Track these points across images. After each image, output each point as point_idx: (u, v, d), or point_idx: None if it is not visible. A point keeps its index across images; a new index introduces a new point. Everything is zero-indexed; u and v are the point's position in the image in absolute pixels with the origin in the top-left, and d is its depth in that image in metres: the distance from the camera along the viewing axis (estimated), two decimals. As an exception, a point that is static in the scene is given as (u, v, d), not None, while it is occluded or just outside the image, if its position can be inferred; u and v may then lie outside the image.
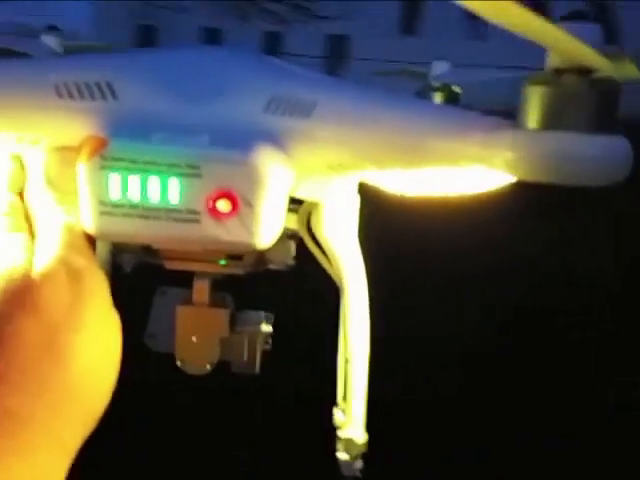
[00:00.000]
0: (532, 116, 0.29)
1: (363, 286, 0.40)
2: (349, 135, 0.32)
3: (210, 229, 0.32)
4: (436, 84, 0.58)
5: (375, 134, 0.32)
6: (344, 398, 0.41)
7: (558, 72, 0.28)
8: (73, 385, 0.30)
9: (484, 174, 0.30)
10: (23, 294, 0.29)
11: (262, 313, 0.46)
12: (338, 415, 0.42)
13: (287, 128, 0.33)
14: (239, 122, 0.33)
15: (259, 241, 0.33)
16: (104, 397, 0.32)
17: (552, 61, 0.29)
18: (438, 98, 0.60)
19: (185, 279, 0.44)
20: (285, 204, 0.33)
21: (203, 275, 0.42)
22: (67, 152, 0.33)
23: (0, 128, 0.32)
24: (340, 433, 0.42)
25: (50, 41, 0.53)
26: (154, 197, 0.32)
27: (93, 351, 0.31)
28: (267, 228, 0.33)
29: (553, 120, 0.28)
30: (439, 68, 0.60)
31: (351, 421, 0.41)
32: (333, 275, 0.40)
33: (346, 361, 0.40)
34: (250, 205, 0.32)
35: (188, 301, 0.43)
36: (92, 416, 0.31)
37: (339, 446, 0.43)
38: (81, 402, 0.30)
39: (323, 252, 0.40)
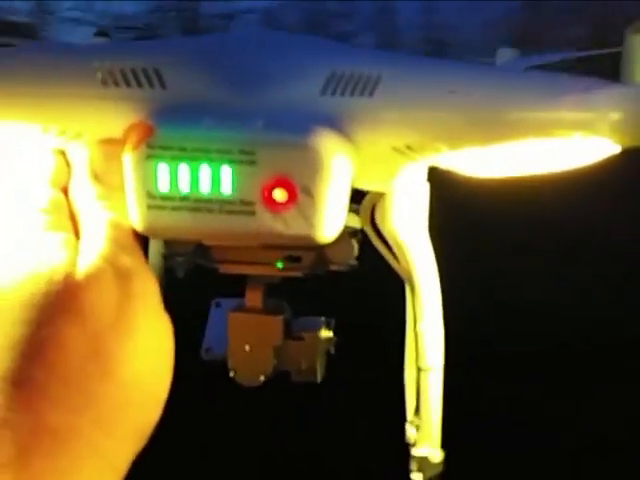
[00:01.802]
0: None
1: (436, 283, 0.36)
2: (418, 112, 0.29)
3: (266, 221, 0.29)
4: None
5: (448, 109, 0.28)
6: (417, 411, 0.37)
7: None
8: (121, 397, 0.27)
9: (581, 145, 0.27)
10: (66, 298, 0.27)
11: (322, 318, 0.43)
12: (411, 431, 0.38)
13: (348, 109, 0.30)
14: (295, 105, 0.30)
15: (320, 234, 0.30)
16: (155, 410, 0.29)
17: None
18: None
19: (242, 290, 0.41)
20: (348, 193, 0.30)
21: (257, 279, 0.40)
22: (112, 144, 0.31)
23: (42, 121, 0.30)
24: (413, 451, 0.38)
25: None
26: (205, 188, 0.29)
27: (143, 359, 0.28)
28: (329, 219, 0.29)
29: None
30: (504, 55, 0.56)
31: (426, 437, 0.37)
32: (400, 273, 0.37)
33: (419, 370, 0.36)
34: (310, 194, 0.29)
35: (241, 308, 0.40)
36: (142, 431, 0.28)
37: (412, 466, 0.39)
38: (130, 416, 0.28)
39: (389, 248, 0.37)
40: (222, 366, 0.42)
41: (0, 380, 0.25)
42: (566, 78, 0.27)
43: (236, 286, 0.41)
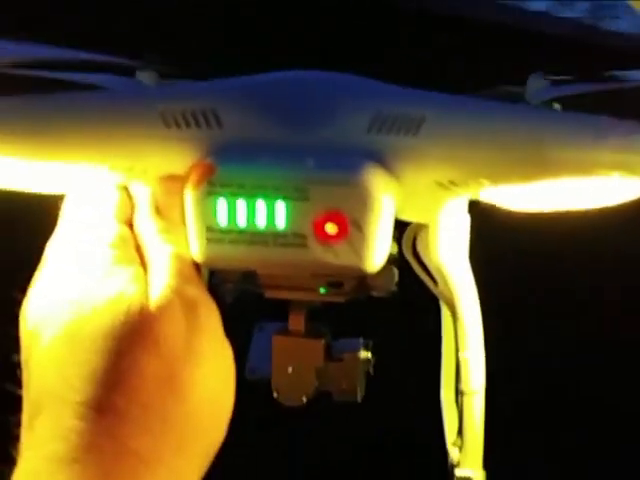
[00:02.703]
0: None
1: (477, 311, 0.38)
2: (462, 151, 0.31)
3: (318, 253, 0.31)
4: (535, 102, 0.56)
5: (492, 148, 0.30)
6: (459, 433, 0.39)
7: None
8: (194, 420, 0.29)
9: (619, 184, 0.28)
10: (141, 328, 0.29)
11: (360, 340, 0.44)
12: (453, 452, 0.39)
13: (393, 146, 0.32)
14: (343, 142, 0.32)
15: (369, 265, 0.32)
16: (221, 431, 0.31)
17: None
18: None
19: (284, 313, 0.43)
20: (392, 225, 0.32)
21: (300, 304, 0.41)
22: (173, 180, 0.33)
23: (111, 160, 0.32)
24: (457, 472, 0.40)
25: (145, 79, 0.54)
26: (261, 222, 0.31)
27: (212, 383, 0.30)
28: (377, 251, 0.31)
29: None
30: (536, 84, 0.57)
31: (469, 458, 0.39)
32: (442, 299, 0.38)
33: (462, 393, 0.38)
34: (360, 228, 0.31)
35: (285, 331, 0.42)
36: (210, 451, 0.30)
37: None
38: (202, 437, 0.30)
39: (430, 275, 0.38)
40: (265, 386, 0.44)
41: (84, 407, 0.27)
42: (607, 120, 0.29)
43: (272, 309, 0.43)
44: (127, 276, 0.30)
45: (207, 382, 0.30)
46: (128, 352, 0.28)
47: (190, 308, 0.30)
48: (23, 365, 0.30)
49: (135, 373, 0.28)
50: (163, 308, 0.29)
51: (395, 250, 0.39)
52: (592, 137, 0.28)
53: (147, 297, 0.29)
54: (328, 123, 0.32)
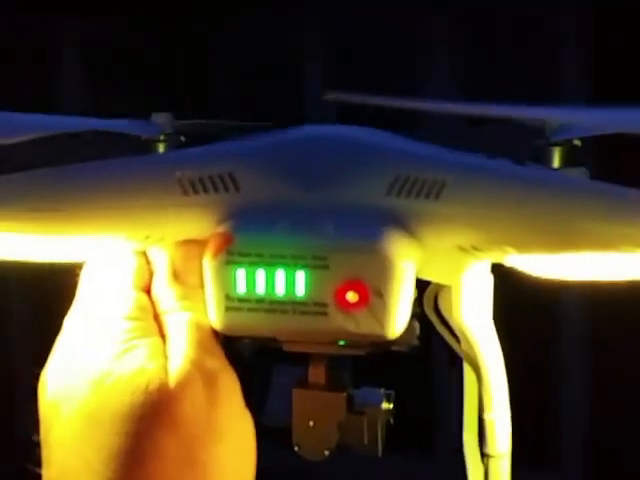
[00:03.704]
0: None
1: (502, 371, 0.37)
2: (485, 218, 0.30)
3: (338, 321, 0.31)
4: (554, 139, 0.55)
5: (516, 217, 0.30)
6: None
7: None
8: None
9: None
10: (160, 407, 0.28)
11: (382, 390, 0.43)
12: None
13: (414, 210, 0.31)
14: (363, 206, 0.31)
15: (390, 332, 0.31)
16: None
17: None
18: (557, 155, 0.56)
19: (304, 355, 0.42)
20: (414, 290, 0.31)
21: (320, 356, 0.41)
22: (191, 245, 0.33)
23: (128, 231, 0.32)
24: None
25: (161, 119, 0.54)
26: (280, 290, 0.31)
27: (233, 461, 0.30)
28: (398, 318, 0.31)
29: None
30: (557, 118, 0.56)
31: None
32: (465, 359, 0.38)
33: (487, 456, 0.37)
34: (381, 295, 0.30)
35: (304, 382, 0.41)
36: None
37: None
38: None
39: (452, 334, 0.38)
40: (284, 434, 0.43)
41: None
42: (636, 193, 0.28)
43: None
44: (145, 350, 0.30)
45: (227, 458, 0.29)
46: (147, 434, 0.28)
47: (210, 381, 0.30)
48: (43, 438, 0.30)
49: (155, 455, 0.28)
50: (183, 384, 0.29)
51: (416, 304, 0.38)
52: (618, 211, 0.28)
53: (166, 373, 0.29)
54: (346, 185, 0.32)
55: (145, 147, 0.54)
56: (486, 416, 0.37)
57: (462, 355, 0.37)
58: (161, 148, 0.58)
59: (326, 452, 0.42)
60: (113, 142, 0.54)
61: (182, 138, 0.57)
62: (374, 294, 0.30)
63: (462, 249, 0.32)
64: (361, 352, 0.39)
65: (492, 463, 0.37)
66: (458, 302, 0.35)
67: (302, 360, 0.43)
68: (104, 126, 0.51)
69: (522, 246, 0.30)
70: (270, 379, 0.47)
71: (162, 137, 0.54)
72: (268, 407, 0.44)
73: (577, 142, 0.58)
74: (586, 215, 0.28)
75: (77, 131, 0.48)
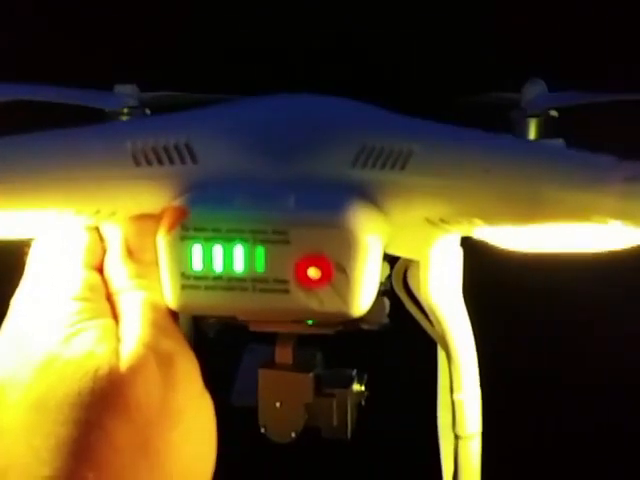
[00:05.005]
0: None
1: (472, 350, 0.36)
2: (452, 188, 0.29)
3: (300, 299, 0.29)
4: (531, 110, 0.53)
5: (484, 186, 0.28)
6: (454, 478, 0.37)
7: None
8: None
9: (620, 231, 0.26)
10: (111, 394, 0.27)
11: (353, 371, 0.42)
12: None
13: (379, 182, 0.30)
14: (327, 177, 0.30)
15: (355, 310, 0.30)
16: None
17: None
18: (533, 126, 0.55)
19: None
20: (380, 266, 0.30)
21: (287, 336, 0.40)
22: (146, 220, 0.31)
23: (76, 204, 0.30)
24: None
25: (125, 90, 0.52)
26: (239, 267, 0.29)
27: (190, 447, 0.28)
28: (363, 295, 0.29)
29: None
30: (533, 90, 0.54)
31: None
32: (435, 338, 0.36)
33: (457, 437, 0.36)
34: (344, 271, 0.29)
35: (271, 362, 0.40)
36: None
37: None
38: None
39: (421, 310, 0.36)
40: (252, 414, 0.42)
41: None
42: (610, 161, 0.27)
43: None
44: (95, 333, 0.28)
45: (185, 443, 0.28)
46: (97, 421, 0.26)
47: (166, 363, 0.28)
48: None
49: (105, 443, 0.26)
50: (136, 368, 0.27)
51: (386, 280, 0.37)
52: (590, 179, 0.26)
53: (118, 356, 0.27)
54: (310, 156, 0.30)
55: (107, 120, 0.52)
56: (455, 396, 0.36)
57: (431, 334, 0.36)
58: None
59: (293, 434, 0.41)
60: (72, 114, 0.51)
61: (147, 111, 0.54)
62: (337, 270, 0.29)
63: (430, 222, 0.30)
64: (330, 331, 0.37)
65: (461, 444, 0.36)
66: (426, 278, 0.33)
67: (275, 339, 0.41)
68: (64, 97, 0.49)
69: (490, 217, 0.29)
70: (240, 359, 0.46)
71: (126, 110, 0.52)
72: (236, 387, 0.43)
73: (553, 113, 0.57)
74: (555, 184, 0.27)
75: (32, 100, 0.46)
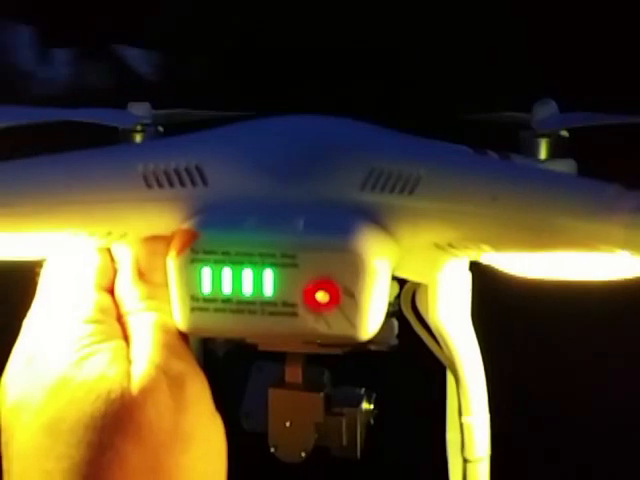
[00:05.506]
0: None
1: (481, 373, 0.36)
2: (460, 214, 0.29)
3: (308, 322, 0.29)
4: (541, 130, 0.53)
5: (491, 213, 0.28)
6: None
7: None
8: None
9: (628, 260, 0.26)
10: (123, 416, 0.27)
11: (362, 390, 0.42)
12: None
13: (388, 206, 0.30)
14: (335, 201, 0.30)
15: (363, 333, 0.30)
16: None
17: None
18: (543, 146, 0.55)
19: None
20: (388, 289, 0.30)
21: (296, 355, 0.40)
22: (157, 242, 0.31)
23: (89, 227, 0.31)
24: None
25: (138, 109, 0.53)
26: (247, 290, 0.30)
27: (201, 468, 0.28)
28: (371, 319, 0.29)
29: None
30: (543, 111, 0.54)
31: None
32: (443, 360, 0.36)
33: (465, 461, 0.36)
34: (352, 295, 0.29)
35: (281, 382, 0.40)
36: None
37: None
38: None
39: (429, 332, 0.36)
40: (261, 436, 0.42)
41: None
42: (618, 191, 0.27)
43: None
44: (106, 355, 0.28)
45: (195, 465, 0.28)
46: (109, 444, 0.26)
47: (177, 384, 0.28)
48: (3, 449, 0.29)
49: (118, 465, 0.26)
50: (147, 390, 0.27)
51: (395, 302, 0.37)
52: (598, 208, 0.26)
53: (129, 379, 0.28)
54: (319, 179, 0.30)
55: (121, 138, 0.52)
56: (464, 419, 0.36)
57: (440, 356, 0.36)
58: (138, 139, 0.56)
59: (303, 454, 0.40)
60: (87, 134, 0.52)
61: (160, 129, 0.55)
62: (345, 294, 0.29)
63: (438, 246, 0.30)
64: (339, 351, 0.38)
65: (470, 468, 0.36)
66: (434, 301, 0.33)
67: (283, 357, 0.41)
68: (77, 116, 0.50)
69: (497, 244, 0.29)
70: (249, 377, 0.46)
71: (139, 127, 0.52)
72: (244, 407, 0.43)
73: (564, 133, 0.57)
74: (562, 212, 0.27)
75: (47, 122, 0.46)
